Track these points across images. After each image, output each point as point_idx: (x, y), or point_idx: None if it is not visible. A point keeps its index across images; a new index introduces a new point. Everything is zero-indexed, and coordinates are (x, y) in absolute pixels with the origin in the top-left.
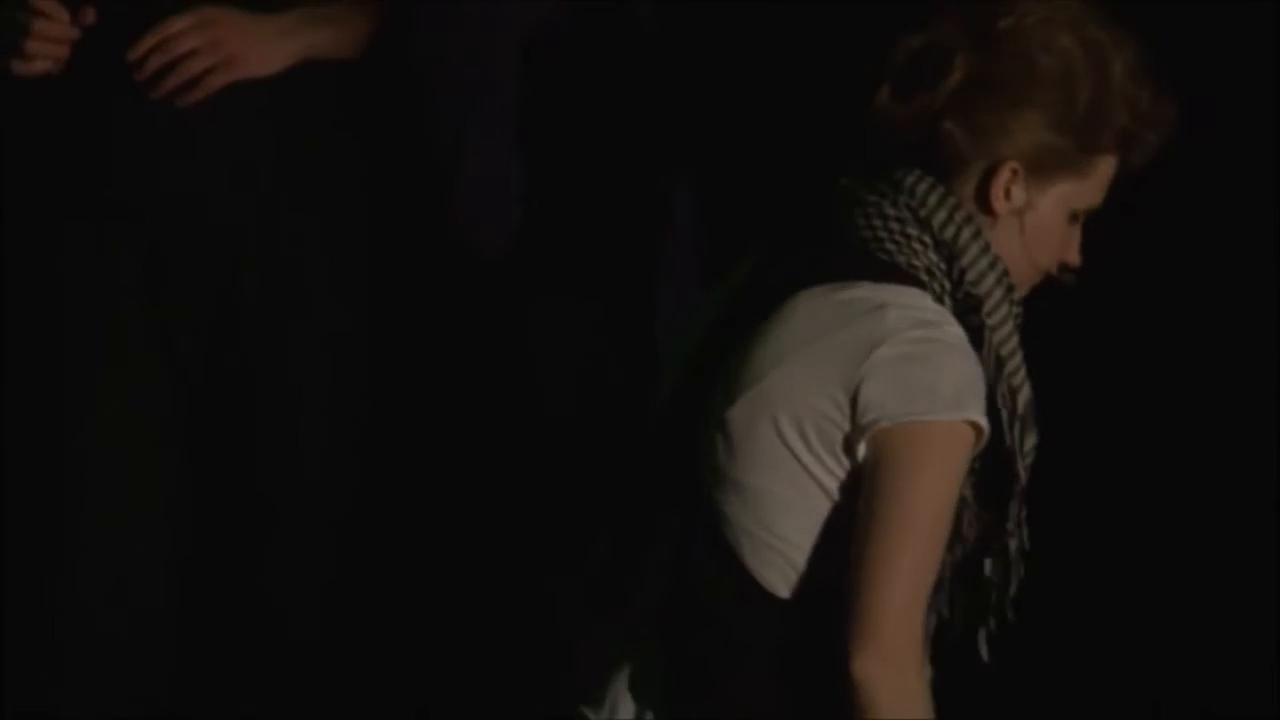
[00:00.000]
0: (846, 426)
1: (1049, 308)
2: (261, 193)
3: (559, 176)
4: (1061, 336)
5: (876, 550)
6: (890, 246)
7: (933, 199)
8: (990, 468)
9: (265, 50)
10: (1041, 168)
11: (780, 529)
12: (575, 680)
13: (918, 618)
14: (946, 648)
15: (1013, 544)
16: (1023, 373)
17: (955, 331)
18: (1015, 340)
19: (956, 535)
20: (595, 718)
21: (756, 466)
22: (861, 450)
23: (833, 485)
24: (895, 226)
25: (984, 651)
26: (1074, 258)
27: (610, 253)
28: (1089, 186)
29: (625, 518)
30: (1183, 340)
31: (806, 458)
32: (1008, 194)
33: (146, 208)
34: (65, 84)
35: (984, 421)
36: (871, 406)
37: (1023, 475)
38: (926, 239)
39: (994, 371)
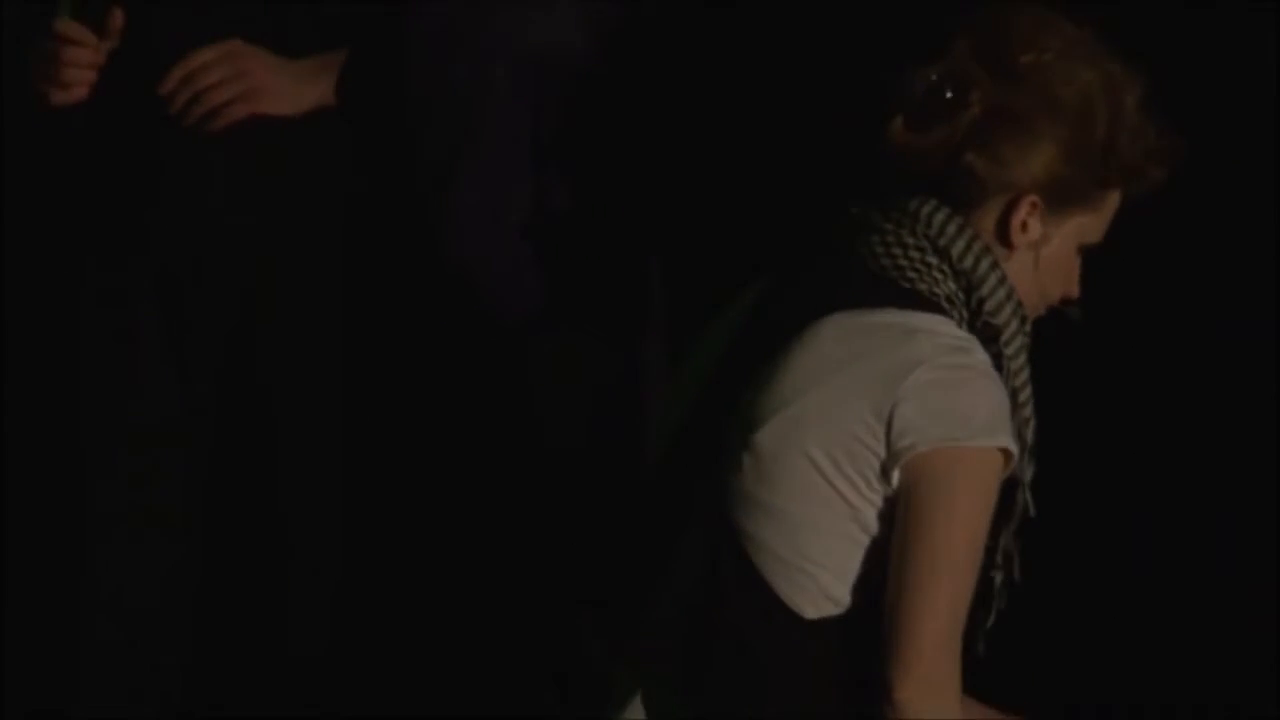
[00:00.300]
0: (881, 451)
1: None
2: (270, 221)
3: (558, 202)
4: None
5: (916, 577)
6: (911, 274)
7: (951, 229)
8: None
9: (288, 90)
10: (1059, 201)
11: (811, 552)
12: (589, 712)
13: (957, 644)
14: None
15: (998, 577)
16: (1032, 405)
17: (984, 358)
18: (1027, 372)
19: None
20: None
21: (787, 490)
22: (896, 476)
23: (865, 509)
24: (915, 255)
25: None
26: (1075, 290)
27: (606, 281)
28: (1099, 220)
29: (638, 542)
30: (1179, 346)
31: (839, 482)
32: (1025, 227)
33: (160, 231)
34: (97, 112)
35: (1015, 448)
36: (907, 431)
37: (1021, 507)
38: (946, 268)
39: (1010, 401)
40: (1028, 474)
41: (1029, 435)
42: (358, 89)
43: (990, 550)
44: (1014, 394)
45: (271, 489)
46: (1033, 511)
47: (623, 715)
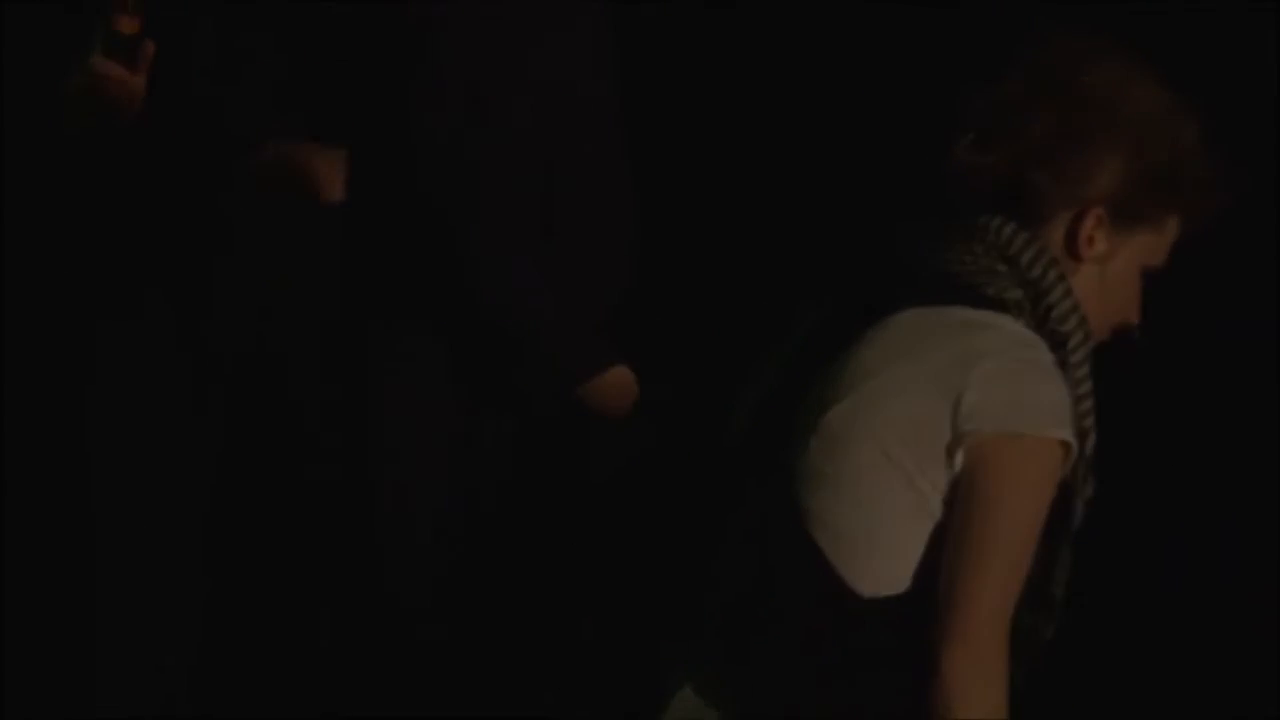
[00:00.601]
0: (946, 434)
1: None
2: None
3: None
4: None
5: (972, 556)
6: (980, 279)
7: (1019, 241)
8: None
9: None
10: (1124, 217)
11: (872, 531)
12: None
13: (1005, 626)
14: None
15: (1058, 591)
16: (1093, 418)
17: (1050, 357)
18: (1090, 384)
19: None
20: None
21: (853, 470)
22: (959, 458)
23: (928, 491)
24: (985, 263)
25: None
26: (1137, 315)
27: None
28: (1162, 242)
29: (699, 524)
30: (1178, 346)
31: (905, 463)
32: (1091, 240)
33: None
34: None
35: (1075, 445)
36: (973, 415)
37: (1077, 518)
38: (1014, 276)
39: (1072, 409)
40: (1086, 489)
41: (1089, 448)
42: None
43: (1049, 563)
44: (1077, 402)
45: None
46: (1077, 525)
47: (674, 702)
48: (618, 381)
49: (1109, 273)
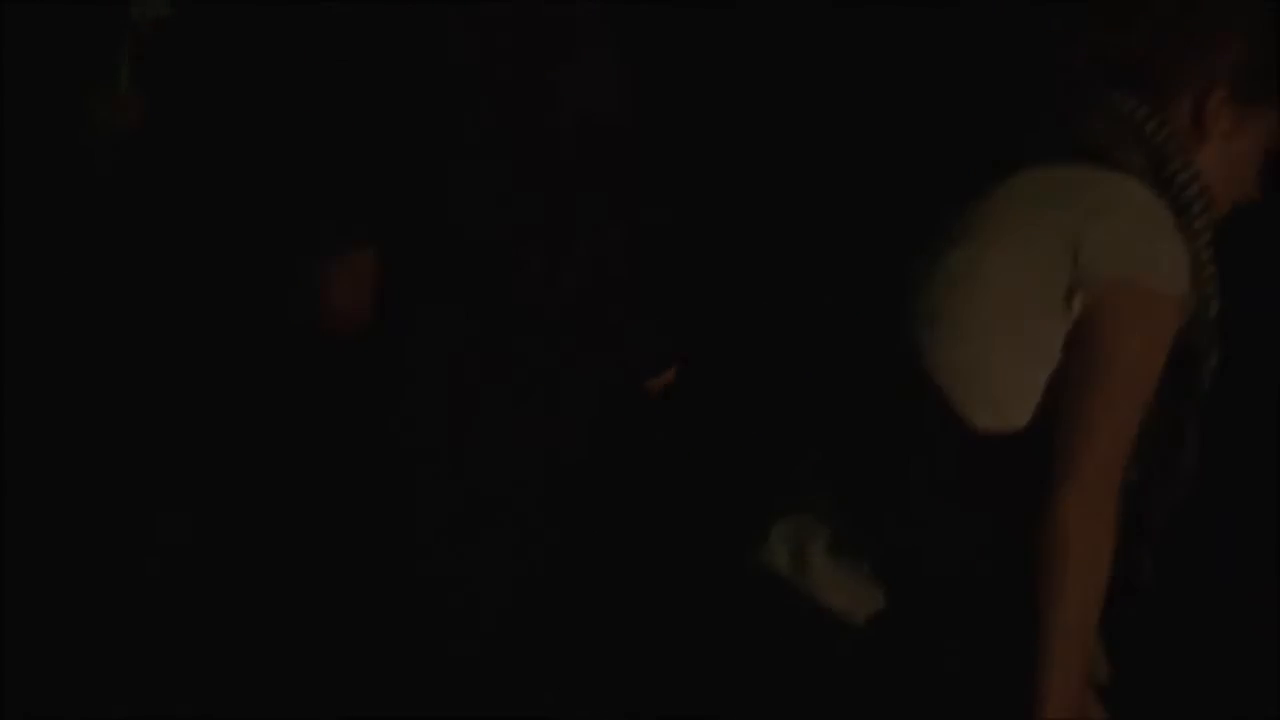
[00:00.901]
0: (1066, 280)
1: None
2: None
3: None
4: None
5: (1087, 402)
6: (1104, 142)
7: (1141, 112)
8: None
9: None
10: (1247, 94)
11: (990, 368)
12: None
13: (1117, 475)
14: None
15: (1190, 461)
16: (1215, 285)
17: (1172, 219)
18: (1211, 252)
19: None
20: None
21: (973, 308)
22: (1077, 304)
23: (1046, 333)
24: (1110, 132)
25: (1144, 576)
26: (1259, 194)
27: None
28: None
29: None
30: None
31: (1025, 305)
32: (1215, 117)
33: None
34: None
35: (1190, 303)
36: (1093, 262)
37: (1204, 385)
38: (1138, 145)
39: (1192, 274)
40: (1212, 356)
41: (1211, 311)
42: None
43: (1177, 429)
44: (1198, 268)
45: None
46: (1203, 393)
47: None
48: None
49: (1231, 150)
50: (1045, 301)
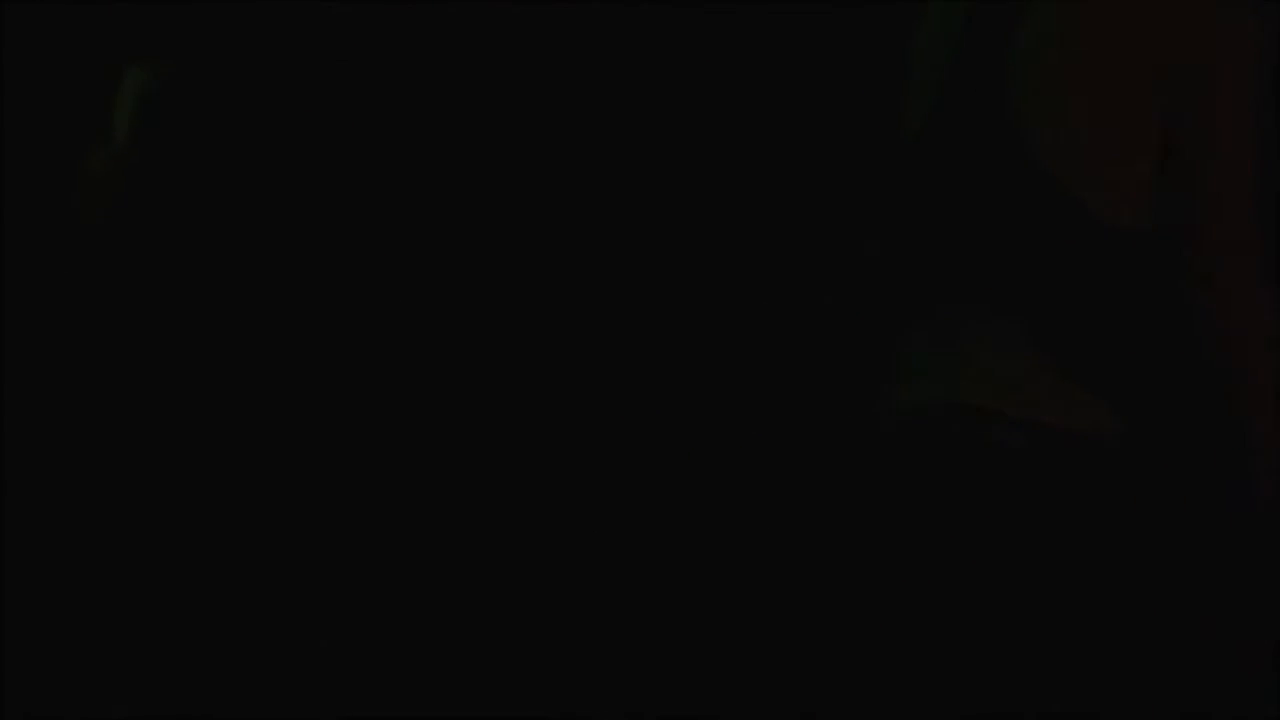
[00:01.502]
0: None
1: None
2: None
3: None
4: None
5: (1207, 149)
6: None
7: None
8: None
9: None
10: None
11: (1100, 144)
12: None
13: (1251, 217)
14: None
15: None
16: None
17: None
18: None
19: None
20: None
21: (1076, 89)
22: (1173, 66)
23: (1148, 105)
24: None
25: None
26: None
27: None
28: None
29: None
30: None
31: (1125, 78)
32: None
33: None
34: None
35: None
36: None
37: None
38: None
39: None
40: None
41: None
42: None
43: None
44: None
45: None
46: None
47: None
48: None
49: None
50: (1143, 74)
